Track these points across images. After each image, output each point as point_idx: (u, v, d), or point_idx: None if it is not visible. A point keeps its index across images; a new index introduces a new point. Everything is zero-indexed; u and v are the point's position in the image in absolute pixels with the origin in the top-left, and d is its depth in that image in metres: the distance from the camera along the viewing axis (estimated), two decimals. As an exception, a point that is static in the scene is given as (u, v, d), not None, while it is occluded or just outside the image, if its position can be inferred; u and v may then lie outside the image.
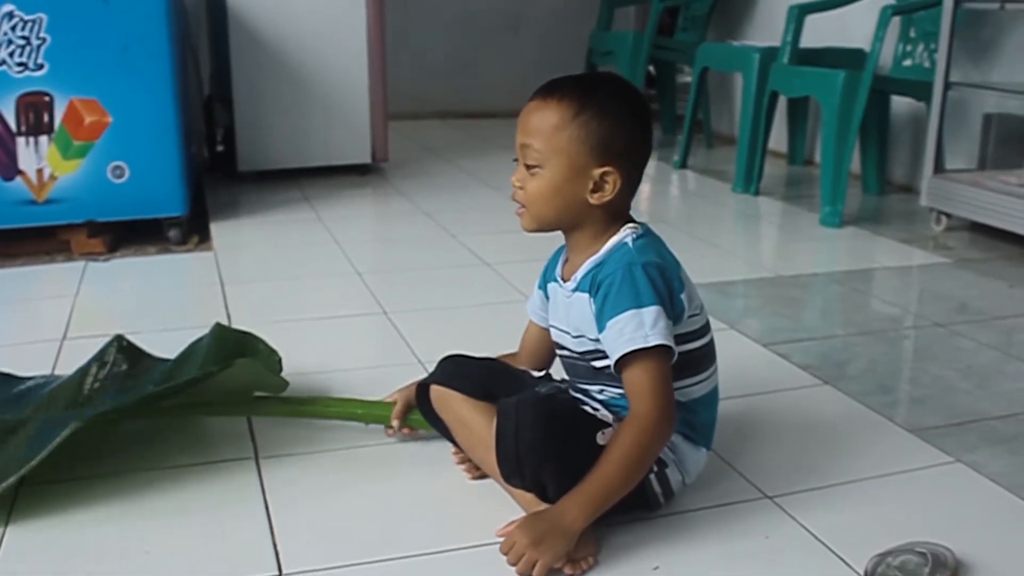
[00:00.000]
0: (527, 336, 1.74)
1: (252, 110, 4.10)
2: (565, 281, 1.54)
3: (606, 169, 1.44)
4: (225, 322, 2.43)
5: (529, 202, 1.49)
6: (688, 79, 5.89)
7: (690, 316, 1.48)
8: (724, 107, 5.41)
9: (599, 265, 1.47)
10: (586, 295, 1.47)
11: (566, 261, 1.57)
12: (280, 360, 1.95)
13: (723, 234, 3.59)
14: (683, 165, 4.57)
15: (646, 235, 1.49)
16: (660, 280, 1.43)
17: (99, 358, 1.95)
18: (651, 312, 1.40)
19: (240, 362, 1.71)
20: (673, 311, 1.44)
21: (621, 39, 5.45)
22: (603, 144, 1.43)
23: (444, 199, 3.92)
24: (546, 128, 1.45)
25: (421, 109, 5.97)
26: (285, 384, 1.85)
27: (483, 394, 1.60)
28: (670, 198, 4.11)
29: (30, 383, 1.93)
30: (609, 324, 1.41)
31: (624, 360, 1.40)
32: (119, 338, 2.01)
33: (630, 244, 1.46)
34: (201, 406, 1.80)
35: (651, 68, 5.59)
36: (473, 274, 2.90)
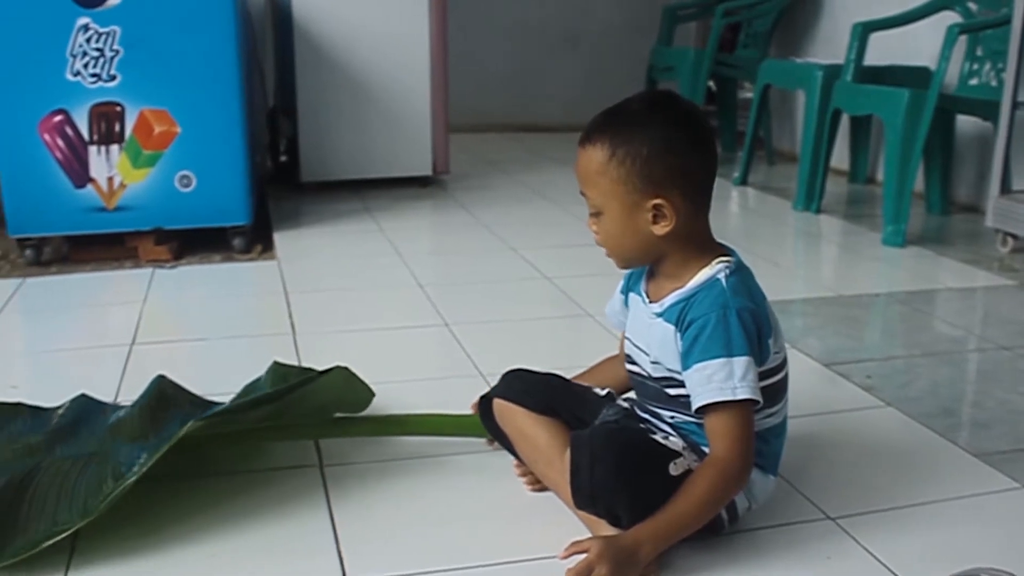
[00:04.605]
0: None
1: (315, 121, 4.15)
2: (650, 300, 1.54)
3: (657, 201, 1.43)
4: (289, 331, 2.47)
5: (606, 245, 1.51)
6: (749, 95, 5.87)
7: (773, 353, 1.49)
8: (785, 124, 5.38)
9: (689, 299, 1.46)
10: (671, 327, 1.47)
11: (651, 275, 1.56)
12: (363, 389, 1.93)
13: (783, 252, 3.57)
14: (743, 182, 4.55)
15: (738, 271, 1.48)
16: (752, 327, 1.43)
17: (150, 399, 1.87)
18: (742, 363, 1.40)
19: (337, 368, 1.73)
20: (760, 356, 1.44)
21: (682, 55, 5.44)
22: (645, 177, 1.43)
23: (504, 212, 3.94)
24: (591, 176, 1.47)
25: (479, 122, 6.01)
26: (372, 394, 1.87)
27: (545, 409, 1.62)
28: (730, 215, 4.09)
29: (69, 415, 1.85)
30: (697, 367, 1.42)
31: (709, 406, 1.42)
32: (161, 378, 1.92)
33: (723, 283, 1.45)
34: (285, 429, 1.78)
35: (712, 84, 5.57)
36: (534, 287, 2.91)
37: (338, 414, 1.87)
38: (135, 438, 1.75)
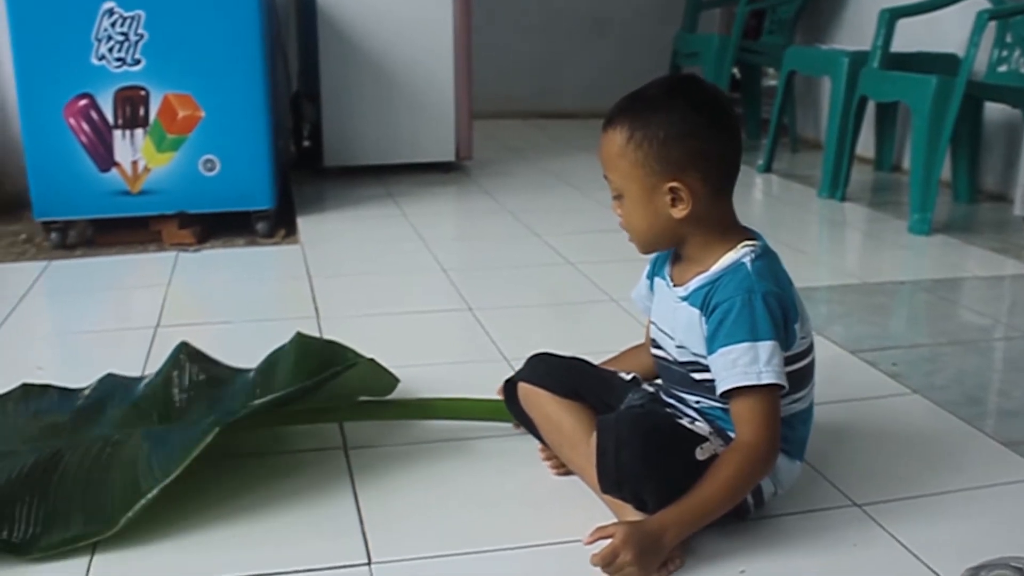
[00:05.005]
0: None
1: (339, 106, 4.15)
2: (675, 284, 1.53)
3: (673, 184, 1.43)
4: (313, 315, 2.48)
5: (628, 229, 1.51)
6: (773, 82, 5.83)
7: (799, 339, 1.48)
8: (810, 111, 5.35)
9: (714, 283, 1.45)
10: (696, 311, 1.46)
11: (676, 259, 1.56)
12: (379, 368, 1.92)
13: (808, 239, 3.55)
14: (768, 169, 4.53)
15: (764, 255, 1.47)
16: (778, 311, 1.42)
17: (173, 366, 1.91)
18: (767, 347, 1.39)
19: (363, 360, 1.73)
20: (786, 341, 1.43)
21: (706, 41, 5.41)
22: (662, 159, 1.42)
23: (527, 198, 3.93)
24: (612, 158, 1.47)
25: (502, 109, 5.99)
26: (396, 381, 1.87)
27: (570, 393, 1.62)
28: (754, 202, 4.07)
29: (94, 395, 1.88)
30: (722, 351, 1.41)
31: (734, 391, 1.41)
32: (184, 344, 1.96)
33: (748, 267, 1.44)
34: (310, 412, 1.79)
35: (736, 71, 5.54)
36: (557, 273, 2.91)
37: (363, 397, 1.87)
38: (161, 417, 1.77)
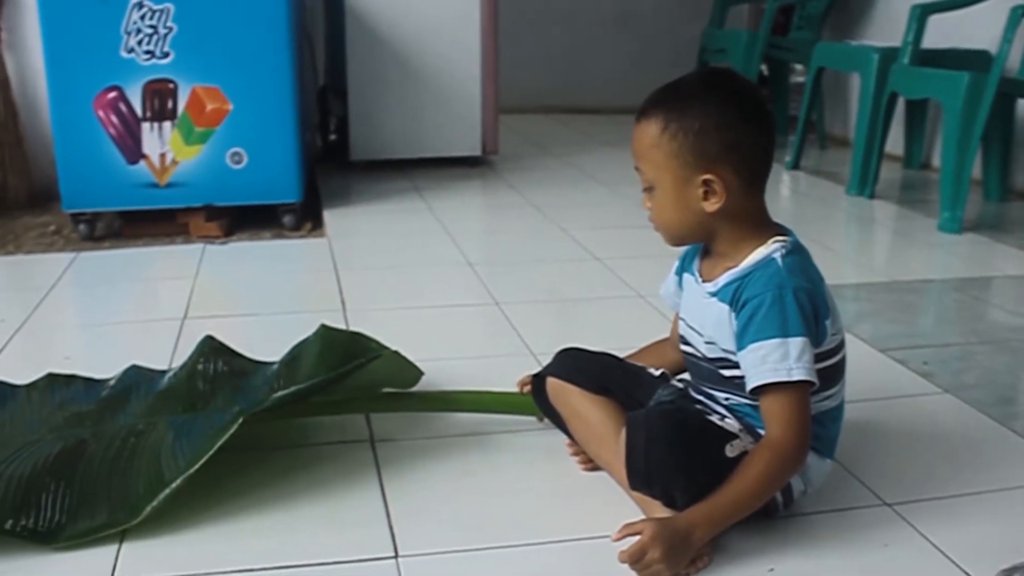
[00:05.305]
0: (677, 326, 1.72)
1: (365, 100, 4.15)
2: (704, 280, 1.52)
3: (707, 176, 1.42)
4: (339, 308, 2.48)
5: (657, 222, 1.50)
6: (800, 79, 5.80)
7: (830, 335, 1.46)
8: (838, 108, 5.31)
9: (744, 279, 1.44)
10: (726, 307, 1.45)
11: (706, 254, 1.54)
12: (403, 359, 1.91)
13: (836, 237, 3.52)
14: (795, 166, 4.50)
15: (794, 250, 1.46)
16: (809, 307, 1.40)
17: (198, 358, 1.92)
18: (797, 344, 1.38)
19: (387, 352, 1.73)
20: (816, 337, 1.42)
21: (734, 37, 5.38)
22: (696, 152, 1.41)
23: (553, 193, 3.92)
24: (645, 149, 1.46)
25: (527, 104, 5.98)
26: (420, 373, 1.87)
27: (599, 388, 1.61)
28: (782, 199, 4.04)
29: (119, 386, 1.88)
30: (751, 347, 1.40)
31: (764, 387, 1.39)
32: (210, 338, 1.97)
33: (779, 262, 1.43)
34: (335, 404, 1.78)
35: (763, 68, 5.50)
36: (584, 268, 2.90)
37: (387, 389, 1.87)
38: (184, 407, 1.78)
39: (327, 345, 1.88)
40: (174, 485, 1.48)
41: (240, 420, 1.53)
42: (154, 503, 1.47)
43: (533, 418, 1.78)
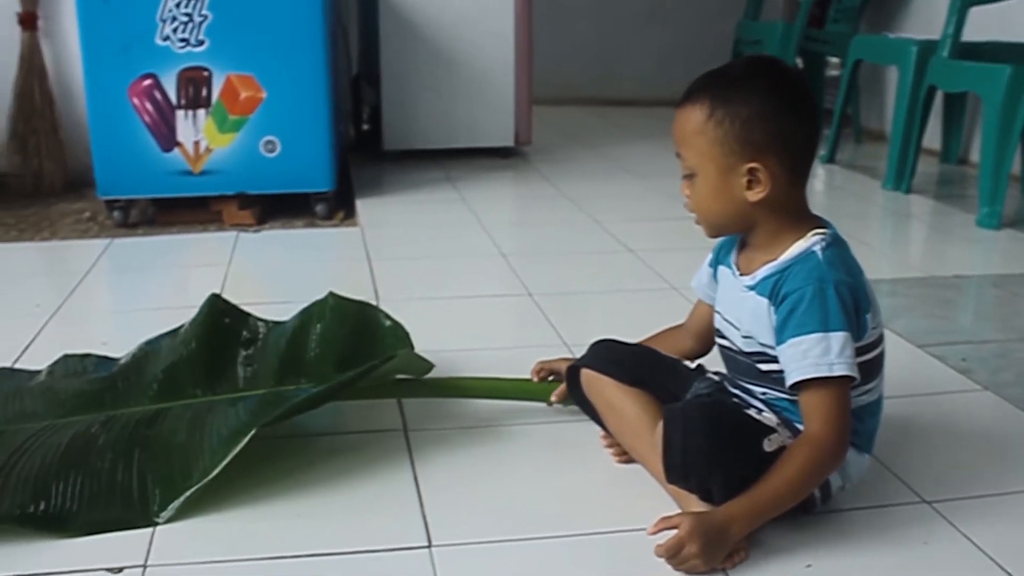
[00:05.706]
0: (696, 315, 1.70)
1: (399, 90, 4.15)
2: (741, 273, 1.50)
3: (752, 165, 1.40)
4: (372, 298, 2.47)
5: (697, 210, 1.48)
6: (835, 73, 5.74)
7: (871, 329, 1.44)
8: (874, 102, 5.25)
9: (783, 272, 1.42)
10: (765, 300, 1.43)
11: (743, 246, 1.53)
12: (407, 333, 1.91)
13: (872, 232, 3.49)
14: (831, 160, 4.46)
15: (835, 244, 1.44)
16: (850, 301, 1.38)
17: (206, 327, 1.89)
18: (839, 338, 1.36)
19: (401, 353, 1.72)
20: (857, 332, 1.40)
21: (770, 29, 5.34)
22: (742, 139, 1.39)
23: (586, 184, 3.90)
24: (688, 135, 1.44)
25: (560, 95, 5.96)
26: (430, 366, 1.86)
27: (634, 380, 1.59)
28: (817, 193, 4.00)
29: (131, 360, 1.89)
30: (791, 341, 1.38)
31: (805, 383, 1.38)
32: (215, 296, 1.95)
33: (819, 255, 1.41)
34: (361, 389, 1.77)
35: (799, 61, 5.46)
36: (618, 260, 2.88)
37: (409, 376, 1.86)
38: (196, 384, 1.77)
39: (338, 316, 1.90)
40: (188, 494, 1.49)
41: (252, 432, 1.54)
42: (166, 513, 1.47)
43: (546, 405, 1.79)
